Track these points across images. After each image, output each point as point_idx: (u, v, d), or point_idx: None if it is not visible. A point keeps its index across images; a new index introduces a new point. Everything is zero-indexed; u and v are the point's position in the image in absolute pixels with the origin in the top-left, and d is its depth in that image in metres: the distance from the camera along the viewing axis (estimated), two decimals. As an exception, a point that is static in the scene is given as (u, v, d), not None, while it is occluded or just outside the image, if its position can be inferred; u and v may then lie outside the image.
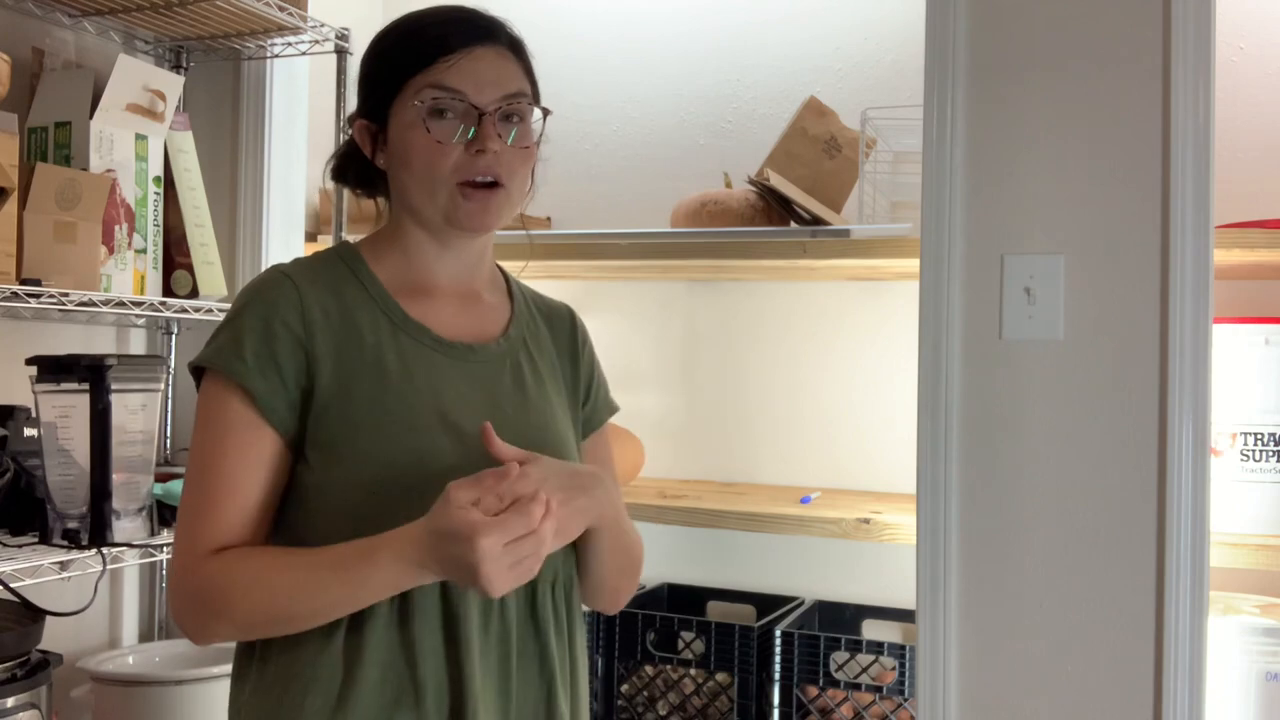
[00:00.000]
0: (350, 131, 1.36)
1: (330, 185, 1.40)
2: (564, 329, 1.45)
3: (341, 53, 2.26)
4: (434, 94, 1.26)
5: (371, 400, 1.22)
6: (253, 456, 1.21)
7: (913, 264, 1.65)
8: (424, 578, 1.14)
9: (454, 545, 1.08)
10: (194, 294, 2.12)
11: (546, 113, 1.33)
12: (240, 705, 1.26)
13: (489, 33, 1.30)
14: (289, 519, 1.25)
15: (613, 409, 1.48)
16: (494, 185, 1.27)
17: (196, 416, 1.25)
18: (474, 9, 1.33)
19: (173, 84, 2.10)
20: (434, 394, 1.25)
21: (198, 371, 1.26)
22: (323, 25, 2.19)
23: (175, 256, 2.15)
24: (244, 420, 1.21)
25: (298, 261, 1.32)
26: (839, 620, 2.24)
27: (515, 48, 1.33)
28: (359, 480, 1.20)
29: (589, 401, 1.44)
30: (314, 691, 1.19)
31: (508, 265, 1.45)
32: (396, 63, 1.29)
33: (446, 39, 1.27)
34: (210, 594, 1.18)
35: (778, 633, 2.06)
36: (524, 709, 1.26)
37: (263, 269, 1.45)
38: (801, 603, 2.26)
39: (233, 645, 1.28)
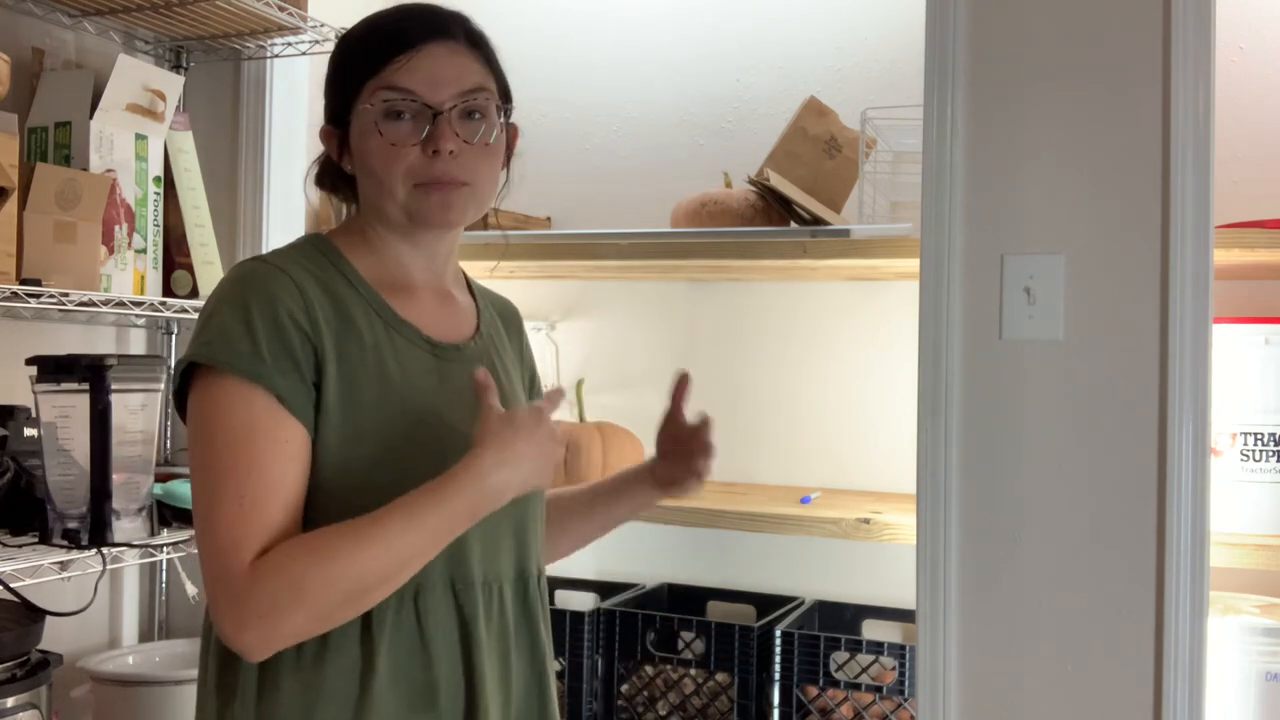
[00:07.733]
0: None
1: (313, 194, 1.38)
2: (515, 326, 1.48)
3: (341, 53, 2.26)
4: (386, 95, 1.23)
5: (379, 404, 1.20)
6: (289, 451, 1.15)
7: (912, 264, 1.64)
8: (484, 495, 1.16)
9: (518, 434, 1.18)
10: (194, 294, 2.12)
11: (506, 109, 1.30)
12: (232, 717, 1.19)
13: (444, 29, 1.26)
14: None
15: None
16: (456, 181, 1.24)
17: (204, 417, 1.16)
18: (432, 4, 1.29)
19: (173, 84, 2.10)
20: (432, 396, 1.25)
21: (190, 368, 1.18)
22: (323, 25, 2.19)
23: (175, 256, 2.14)
24: (272, 416, 1.15)
25: (278, 254, 1.26)
26: (839, 620, 2.24)
27: (475, 42, 1.29)
28: (371, 483, 1.18)
29: (533, 399, 1.47)
30: (329, 701, 1.17)
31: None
32: (353, 66, 1.27)
33: (399, 38, 1.24)
34: (279, 589, 1.10)
35: (778, 633, 2.05)
36: (520, 700, 1.29)
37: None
38: (801, 603, 2.26)
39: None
